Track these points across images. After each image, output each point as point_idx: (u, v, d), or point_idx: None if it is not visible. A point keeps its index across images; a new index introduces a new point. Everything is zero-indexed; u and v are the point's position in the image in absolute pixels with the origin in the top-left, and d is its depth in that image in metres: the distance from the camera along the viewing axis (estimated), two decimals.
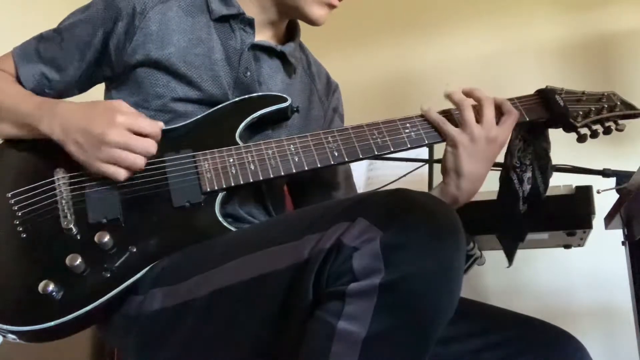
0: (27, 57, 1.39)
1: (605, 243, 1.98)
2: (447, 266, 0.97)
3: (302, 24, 1.52)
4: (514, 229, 1.50)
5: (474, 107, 1.33)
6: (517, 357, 1.26)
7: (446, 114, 1.36)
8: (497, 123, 1.32)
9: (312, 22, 1.42)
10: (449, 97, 1.35)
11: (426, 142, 1.35)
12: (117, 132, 1.20)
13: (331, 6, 1.41)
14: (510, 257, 1.51)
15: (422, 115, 1.36)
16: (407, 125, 1.35)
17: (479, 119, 1.31)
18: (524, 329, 1.31)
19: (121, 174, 1.21)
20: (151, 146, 1.22)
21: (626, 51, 2.64)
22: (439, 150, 2.21)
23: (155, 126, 1.24)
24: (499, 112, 1.34)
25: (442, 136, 1.33)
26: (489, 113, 1.31)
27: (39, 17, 1.75)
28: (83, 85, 1.43)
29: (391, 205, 1.00)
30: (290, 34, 1.52)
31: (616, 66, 2.62)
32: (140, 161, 1.21)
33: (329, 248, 0.99)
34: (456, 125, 1.33)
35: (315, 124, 1.52)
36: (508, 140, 1.40)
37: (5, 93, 1.34)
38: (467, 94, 1.35)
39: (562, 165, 1.93)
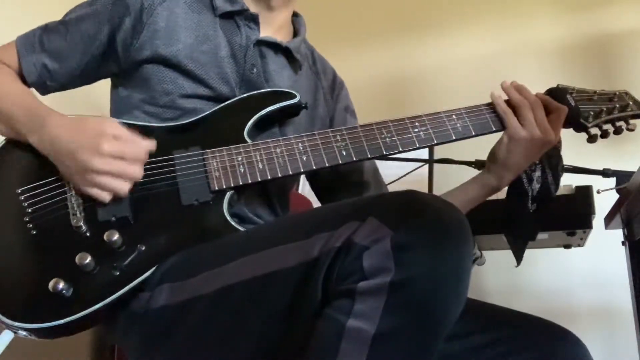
0: (30, 47, 1.38)
1: (605, 243, 1.99)
2: (456, 267, 0.97)
3: (307, 21, 1.52)
4: (523, 228, 1.51)
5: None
6: (516, 354, 1.27)
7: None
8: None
9: None
10: (506, 92, 1.38)
11: (435, 142, 1.35)
12: (101, 160, 1.18)
13: None
14: (519, 256, 1.52)
15: (430, 114, 1.36)
16: (417, 124, 1.35)
17: (537, 121, 1.35)
18: (524, 326, 1.32)
19: (105, 198, 1.20)
20: (137, 172, 1.21)
21: (626, 51, 2.65)
22: (439, 150, 2.23)
23: (143, 151, 1.22)
24: (547, 110, 1.37)
25: (505, 127, 1.36)
26: (541, 116, 1.35)
27: (40, 10, 1.75)
28: (86, 78, 1.42)
29: (402, 205, 1.01)
30: (296, 30, 1.52)
31: (616, 66, 2.63)
32: (124, 187, 1.20)
33: (339, 247, 1.00)
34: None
35: (320, 123, 1.52)
36: None
37: (2, 92, 1.33)
38: (518, 89, 1.39)
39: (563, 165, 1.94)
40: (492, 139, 1.53)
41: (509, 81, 1.44)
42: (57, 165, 1.24)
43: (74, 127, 1.24)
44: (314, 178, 1.59)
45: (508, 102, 1.39)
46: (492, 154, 1.39)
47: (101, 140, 1.19)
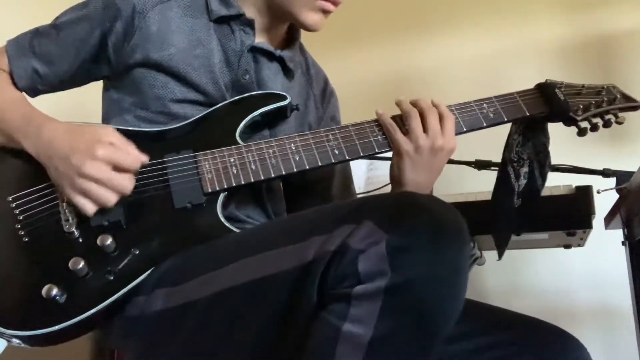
0: (20, 51, 1.37)
1: (605, 243, 1.98)
2: (453, 269, 0.97)
3: None
4: (506, 223, 1.50)
5: (422, 117, 1.31)
6: (517, 357, 1.26)
7: (398, 120, 1.34)
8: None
9: (307, 28, 1.40)
10: (398, 105, 1.34)
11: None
12: (94, 165, 1.17)
13: (326, 12, 1.39)
14: (500, 250, 1.51)
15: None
16: None
17: (425, 128, 1.30)
18: (524, 329, 1.31)
19: (89, 208, 1.18)
20: (127, 184, 1.19)
21: (626, 51, 2.64)
22: None
23: (137, 161, 1.21)
24: (440, 117, 1.32)
25: (390, 143, 1.32)
26: (434, 122, 1.30)
27: (35, 12, 1.74)
28: (78, 81, 1.42)
29: (397, 208, 1.00)
30: (291, 37, 1.51)
31: (616, 66, 2.63)
32: (112, 198, 1.18)
33: (334, 250, 0.99)
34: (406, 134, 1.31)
35: (309, 130, 1.50)
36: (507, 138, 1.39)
37: None
38: (413, 104, 1.33)
39: (562, 165, 1.94)
40: (492, 138, 1.53)
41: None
42: (48, 170, 1.23)
43: (70, 133, 1.23)
44: (285, 180, 1.57)
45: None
46: (390, 173, 1.35)
47: (96, 146, 1.18)
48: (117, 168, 1.19)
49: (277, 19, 1.43)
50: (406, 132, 1.31)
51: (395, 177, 1.33)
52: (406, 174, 1.30)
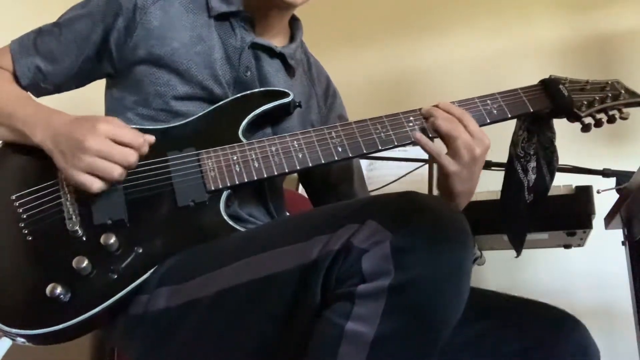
0: (24, 50, 1.38)
1: (605, 243, 1.99)
2: (456, 269, 0.97)
3: (304, 23, 1.52)
4: (521, 220, 1.49)
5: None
6: (517, 338, 1.27)
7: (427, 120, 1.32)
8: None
9: (286, 4, 1.38)
10: (434, 125, 1.30)
11: (430, 135, 1.33)
12: (96, 139, 1.17)
13: None
14: (518, 247, 1.50)
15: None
16: (411, 118, 1.34)
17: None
18: (524, 310, 1.32)
19: (94, 184, 1.18)
20: (130, 156, 1.19)
21: (626, 51, 2.64)
22: None
23: (139, 137, 1.20)
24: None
25: (438, 164, 1.30)
26: (463, 134, 1.27)
27: (37, 11, 1.75)
28: (80, 79, 1.42)
29: (401, 208, 1.01)
30: (293, 34, 1.51)
31: (616, 66, 2.63)
32: (116, 170, 1.18)
33: (338, 249, 1.00)
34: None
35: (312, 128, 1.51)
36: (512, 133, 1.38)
37: (3, 95, 1.33)
38: (435, 129, 1.30)
39: (562, 165, 1.93)
40: (491, 138, 1.53)
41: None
42: (55, 157, 1.23)
43: (77, 119, 1.24)
44: (306, 182, 1.60)
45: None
46: (437, 185, 1.34)
47: (98, 123, 1.19)
48: (119, 143, 1.19)
49: (266, 9, 1.41)
50: (449, 149, 1.28)
51: (445, 191, 1.31)
52: (456, 188, 1.29)
